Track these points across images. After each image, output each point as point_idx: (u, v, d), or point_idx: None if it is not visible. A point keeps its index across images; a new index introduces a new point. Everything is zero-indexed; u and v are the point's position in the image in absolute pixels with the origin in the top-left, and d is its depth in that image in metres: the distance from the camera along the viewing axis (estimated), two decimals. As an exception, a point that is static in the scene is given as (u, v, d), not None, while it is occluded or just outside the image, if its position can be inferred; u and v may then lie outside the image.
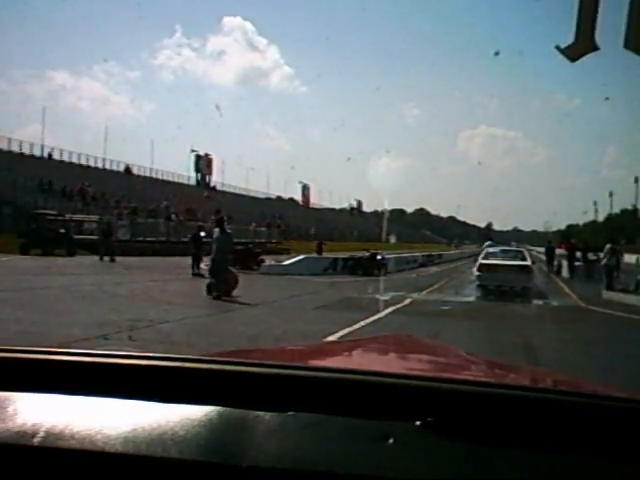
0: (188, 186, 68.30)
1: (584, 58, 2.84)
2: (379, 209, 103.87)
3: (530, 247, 54.31)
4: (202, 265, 23.05)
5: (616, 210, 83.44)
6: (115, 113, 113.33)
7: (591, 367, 7.15)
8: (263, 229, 51.67)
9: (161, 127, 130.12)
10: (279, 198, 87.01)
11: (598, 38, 2.71)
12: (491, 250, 20.83)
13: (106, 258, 25.99)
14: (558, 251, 32.87)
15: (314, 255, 31.47)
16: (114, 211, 39.28)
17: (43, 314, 10.24)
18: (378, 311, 12.36)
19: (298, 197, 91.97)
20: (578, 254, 27.77)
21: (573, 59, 2.85)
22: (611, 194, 77.52)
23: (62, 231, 30.02)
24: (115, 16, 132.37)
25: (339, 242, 56.58)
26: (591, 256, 25.92)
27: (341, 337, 8.74)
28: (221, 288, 13.75)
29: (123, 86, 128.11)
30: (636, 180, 67.30)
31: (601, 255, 20.73)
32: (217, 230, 14.64)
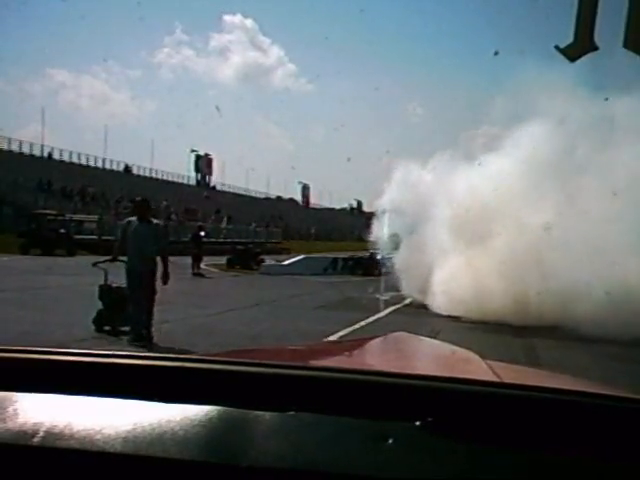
0: (188, 186, 68.25)
1: (584, 58, 2.84)
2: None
3: None
4: (202, 265, 23.05)
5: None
6: (115, 112, 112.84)
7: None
8: (263, 229, 51.69)
9: (161, 126, 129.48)
10: (279, 198, 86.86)
11: (597, 38, 2.71)
12: None
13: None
14: None
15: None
16: (112, 211, 39.23)
17: (43, 314, 10.25)
18: (378, 311, 12.38)
19: (298, 197, 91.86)
20: None
21: (573, 59, 2.85)
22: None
23: (62, 231, 30.04)
24: (115, 14, 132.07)
25: (339, 242, 56.53)
26: None
27: (341, 337, 8.76)
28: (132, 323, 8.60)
29: (123, 85, 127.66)
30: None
31: None
32: (134, 220, 8.48)
